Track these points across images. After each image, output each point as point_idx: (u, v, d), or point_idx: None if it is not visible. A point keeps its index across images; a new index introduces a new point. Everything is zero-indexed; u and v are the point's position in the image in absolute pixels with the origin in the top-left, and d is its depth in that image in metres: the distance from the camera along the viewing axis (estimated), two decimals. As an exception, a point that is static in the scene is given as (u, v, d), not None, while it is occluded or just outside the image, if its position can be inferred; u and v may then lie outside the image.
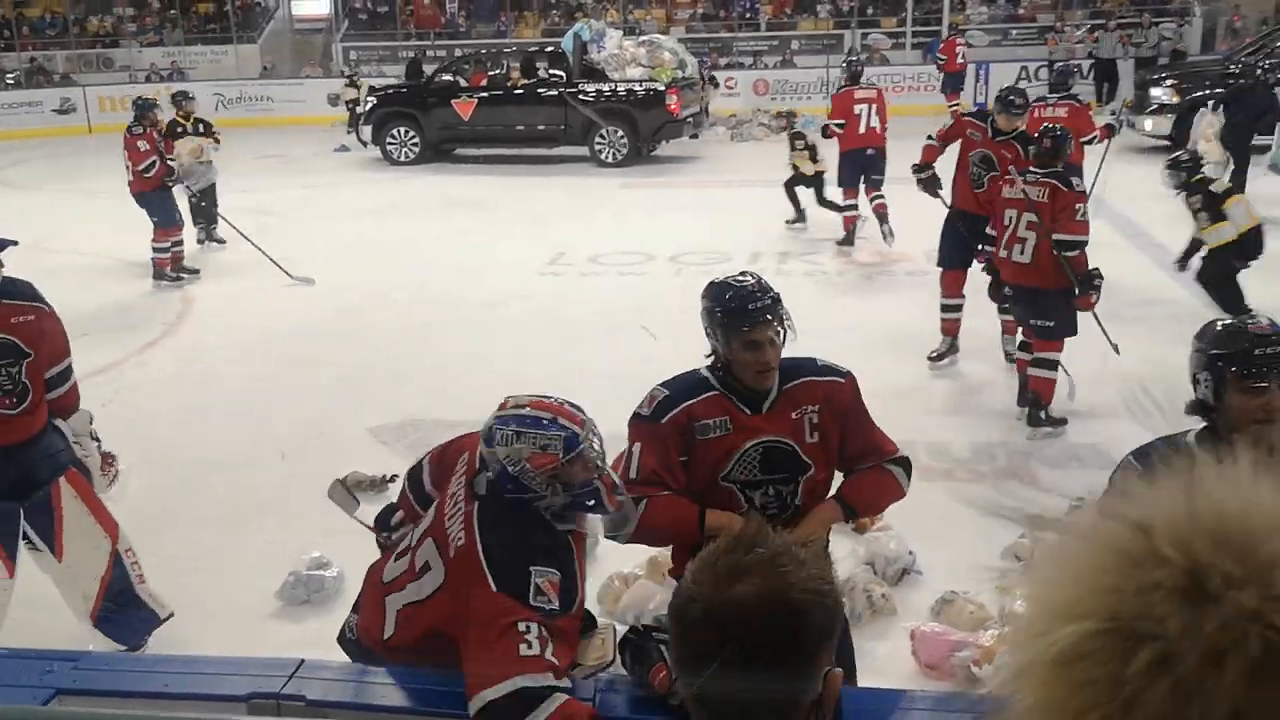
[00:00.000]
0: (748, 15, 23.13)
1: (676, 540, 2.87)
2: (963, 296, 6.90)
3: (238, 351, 7.59)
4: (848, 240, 9.99)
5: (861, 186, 9.73)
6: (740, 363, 2.72)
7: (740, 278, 2.84)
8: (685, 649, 1.29)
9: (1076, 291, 5.60)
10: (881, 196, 9.68)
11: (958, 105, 14.90)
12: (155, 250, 9.37)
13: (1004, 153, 6.73)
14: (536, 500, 2.45)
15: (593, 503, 2.52)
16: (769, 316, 2.70)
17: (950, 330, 6.93)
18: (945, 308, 6.97)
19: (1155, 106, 14.11)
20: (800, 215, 10.64)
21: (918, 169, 7.24)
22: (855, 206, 9.88)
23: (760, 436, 2.72)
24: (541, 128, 15.26)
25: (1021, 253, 5.69)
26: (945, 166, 7.24)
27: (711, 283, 2.84)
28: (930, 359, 6.85)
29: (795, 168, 10.53)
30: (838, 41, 22.24)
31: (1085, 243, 5.66)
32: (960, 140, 7.15)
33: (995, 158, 6.75)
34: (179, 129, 10.35)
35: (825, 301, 8.18)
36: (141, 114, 9.38)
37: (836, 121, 9.81)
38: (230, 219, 9.96)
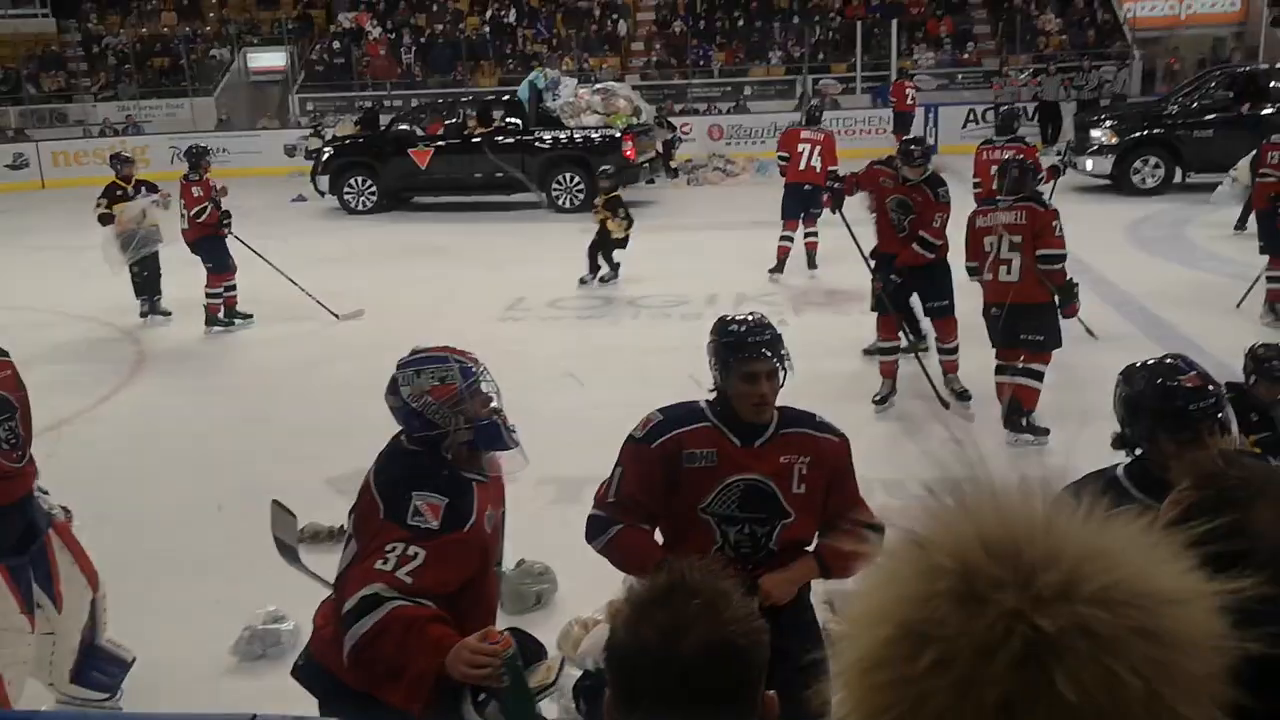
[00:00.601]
0: (701, 62, 23.48)
1: (632, 574, 2.90)
2: (898, 339, 7.07)
3: (190, 404, 7.55)
4: (777, 267, 10.62)
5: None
6: (738, 394, 2.80)
7: (745, 315, 2.97)
8: (632, 694, 1.32)
9: (1058, 303, 6.06)
10: (815, 234, 10.64)
11: (815, 236, 14.68)
12: (209, 296, 9.48)
13: (915, 196, 7.02)
14: (443, 437, 2.61)
15: (494, 437, 2.70)
16: (767, 352, 2.80)
17: (888, 372, 7.07)
18: (881, 351, 7.16)
19: (1095, 147, 14.46)
20: (594, 273, 10.69)
21: (833, 177, 7.71)
22: (790, 237, 10.60)
23: (743, 473, 2.78)
24: (499, 175, 15.37)
25: (1009, 272, 6.02)
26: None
27: (720, 318, 2.98)
28: (874, 402, 6.95)
29: (604, 226, 10.54)
30: (790, 87, 22.63)
31: (1065, 256, 6.08)
32: (874, 187, 7.36)
33: (910, 202, 7.03)
34: (118, 192, 9.71)
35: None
36: (195, 162, 9.55)
37: (781, 154, 10.89)
38: (267, 256, 9.80)
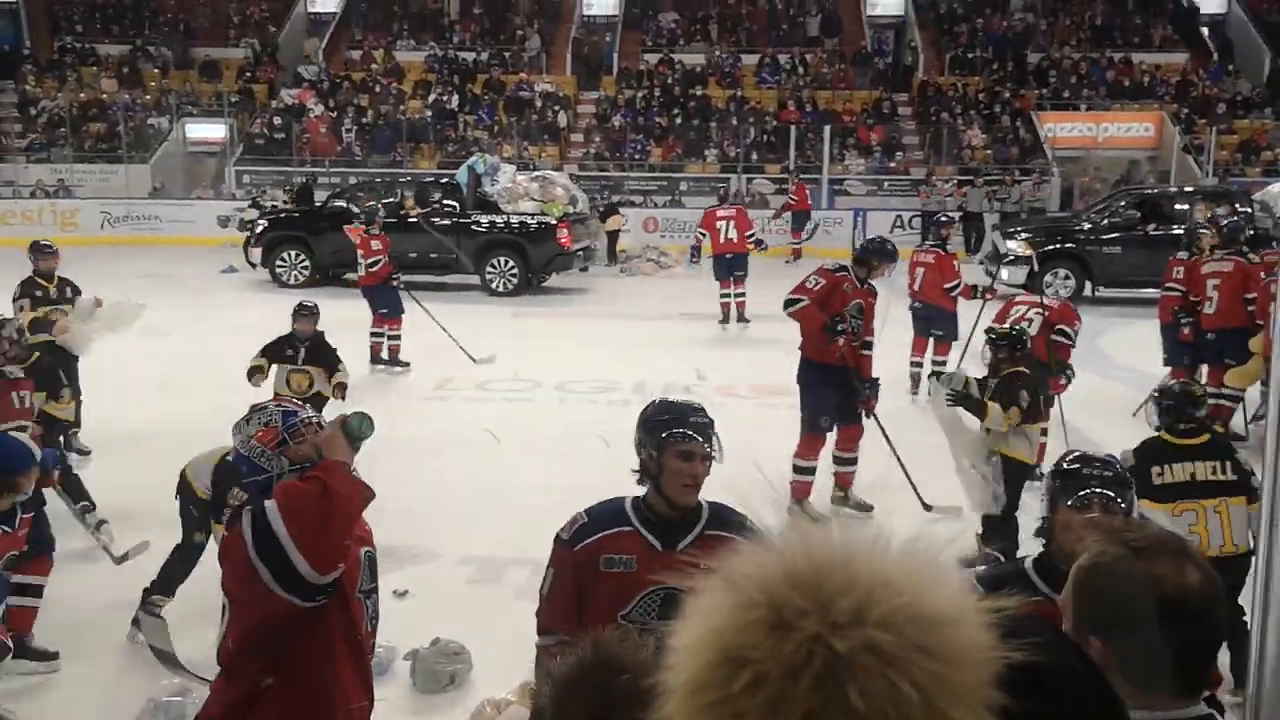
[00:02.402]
0: (638, 157, 23.99)
1: None
2: (814, 460, 6.65)
3: (108, 476, 7.38)
4: (725, 319, 12.92)
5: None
6: (671, 473, 2.81)
7: (682, 400, 3.06)
8: None
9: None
10: (743, 295, 12.90)
11: (743, 296, 15.08)
12: (373, 336, 10.55)
13: (869, 299, 6.92)
14: (270, 480, 2.68)
15: None
16: (705, 433, 2.87)
17: (801, 493, 6.59)
18: (798, 469, 6.63)
19: (1010, 258, 15.01)
20: None
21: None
22: (727, 294, 12.97)
23: (659, 582, 2.72)
24: (434, 255, 15.45)
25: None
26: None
27: (654, 400, 3.07)
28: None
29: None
30: (725, 184, 23.18)
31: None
32: (832, 296, 6.70)
33: (864, 305, 6.84)
34: (38, 292, 8.12)
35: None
36: (371, 217, 11.17)
37: (701, 231, 13.33)
38: (414, 296, 10.94)
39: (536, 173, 18.18)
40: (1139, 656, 1.53)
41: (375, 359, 10.54)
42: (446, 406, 9.34)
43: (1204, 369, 8.73)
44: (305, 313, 7.55)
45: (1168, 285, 9.07)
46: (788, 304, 6.77)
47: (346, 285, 15.89)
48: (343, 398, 7.30)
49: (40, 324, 7.38)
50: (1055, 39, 26.38)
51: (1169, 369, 8.84)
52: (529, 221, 15.55)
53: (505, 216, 15.72)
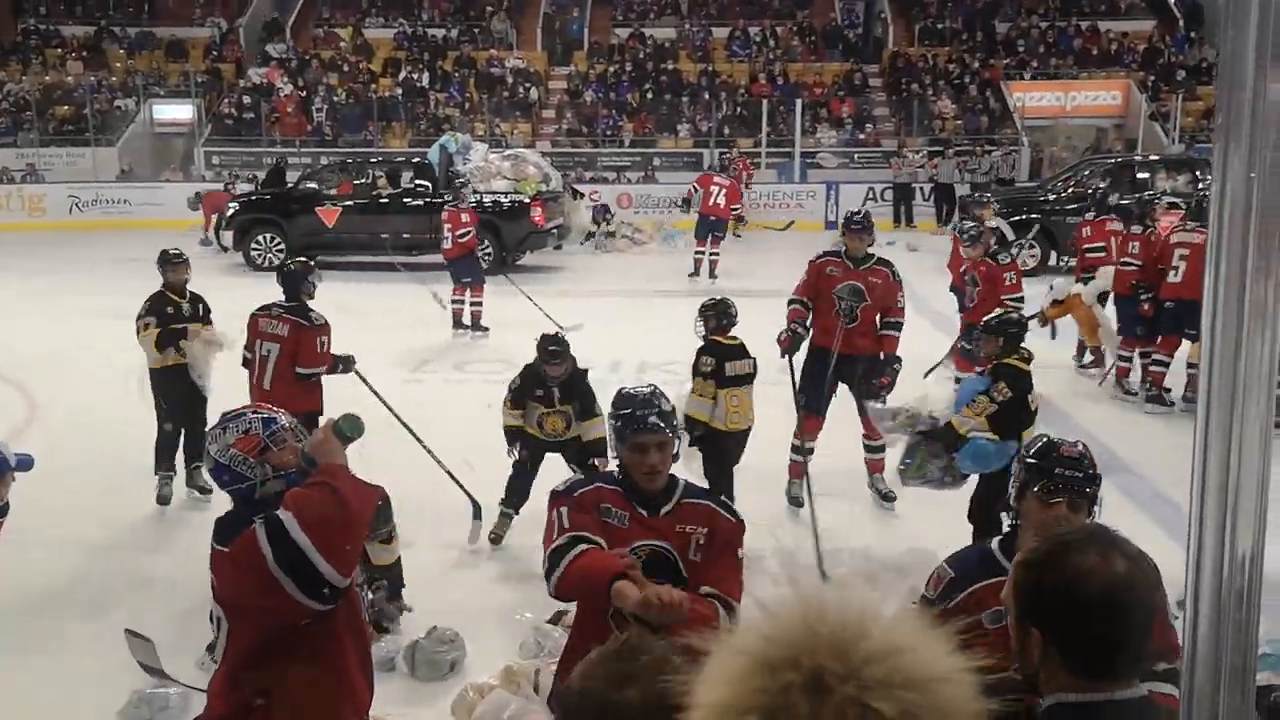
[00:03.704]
0: (610, 132, 23.96)
1: (584, 594, 2.96)
2: (815, 441, 6.50)
3: (76, 472, 7.40)
4: (695, 272, 14.74)
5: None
6: (630, 464, 2.99)
7: (639, 388, 3.15)
8: None
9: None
10: (717, 254, 14.80)
11: (716, 255, 15.07)
12: (454, 303, 11.60)
13: (872, 279, 6.51)
14: (253, 488, 2.69)
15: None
16: (659, 423, 2.99)
17: (797, 474, 6.54)
18: (795, 449, 6.53)
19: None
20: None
21: (786, 350, 6.52)
22: (703, 251, 14.82)
23: (649, 538, 2.95)
24: (407, 236, 15.43)
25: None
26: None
27: (617, 391, 3.16)
28: (792, 499, 6.54)
29: None
30: (698, 159, 23.22)
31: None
32: (821, 280, 6.60)
33: (864, 286, 6.49)
34: (168, 309, 6.79)
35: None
36: (459, 192, 12.86)
37: (696, 186, 15.12)
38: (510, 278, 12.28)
39: (509, 151, 18.16)
40: (1076, 645, 1.67)
41: (458, 324, 11.51)
42: (421, 389, 9.38)
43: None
44: (554, 351, 6.13)
45: (1124, 260, 9.23)
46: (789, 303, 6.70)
47: (322, 268, 15.86)
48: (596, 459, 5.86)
49: (171, 335, 6.64)
50: (1023, 8, 26.48)
51: (1121, 338, 9.17)
52: (502, 200, 15.55)
53: (478, 195, 15.69)
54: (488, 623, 4.99)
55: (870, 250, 6.66)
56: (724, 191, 14.93)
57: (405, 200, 15.76)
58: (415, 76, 25.10)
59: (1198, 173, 14.97)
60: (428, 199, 15.66)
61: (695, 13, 27.23)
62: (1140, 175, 15.90)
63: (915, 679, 0.97)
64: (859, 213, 7.32)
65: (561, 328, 9.07)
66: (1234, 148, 1.20)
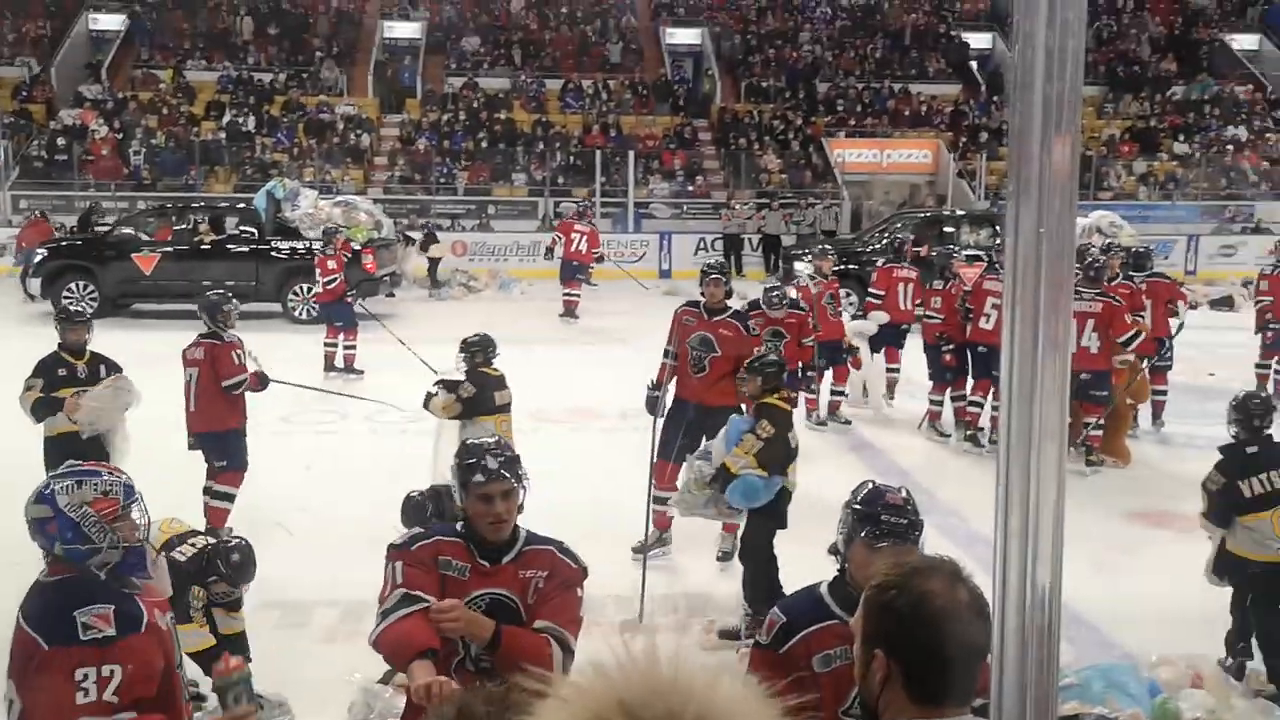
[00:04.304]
0: (444, 180, 23.83)
1: (392, 662, 2.97)
2: (675, 489, 6.36)
3: None
4: (566, 314, 15.56)
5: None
6: (476, 514, 2.95)
7: (484, 439, 3.13)
8: None
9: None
10: (578, 295, 15.72)
11: (578, 296, 15.94)
12: (326, 345, 11.87)
13: (723, 332, 6.62)
14: (93, 554, 2.55)
15: (138, 564, 2.66)
16: (504, 474, 2.96)
17: (662, 524, 6.53)
18: (658, 500, 6.44)
19: (796, 279, 15.68)
20: None
21: (652, 387, 6.78)
22: (570, 293, 15.70)
23: (489, 587, 2.93)
24: (230, 284, 14.89)
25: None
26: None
27: (461, 442, 3.16)
28: (634, 550, 6.33)
29: None
30: (532, 208, 23.32)
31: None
32: (679, 332, 6.76)
33: (714, 338, 6.60)
34: (60, 371, 6.43)
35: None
36: (329, 238, 12.74)
37: (558, 235, 16.05)
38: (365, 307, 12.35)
39: (339, 197, 17.83)
40: (918, 666, 1.75)
41: (330, 367, 11.73)
42: (248, 440, 9.03)
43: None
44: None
45: (927, 314, 9.83)
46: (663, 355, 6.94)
47: (138, 316, 15.16)
48: None
49: (49, 404, 6.23)
50: (841, 70, 27.77)
51: (933, 384, 9.73)
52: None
53: (306, 242, 15.34)
54: (319, 683, 4.82)
55: (728, 303, 6.84)
56: (585, 238, 15.77)
57: (228, 247, 15.25)
58: (240, 120, 24.40)
59: (997, 227, 15.94)
60: (253, 246, 15.20)
61: (528, 64, 27.46)
62: (947, 229, 16.85)
63: None
64: (715, 264, 7.46)
65: (434, 371, 8.96)
66: (1025, 207, 1.32)
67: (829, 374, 9.93)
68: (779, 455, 5.55)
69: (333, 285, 11.98)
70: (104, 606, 2.48)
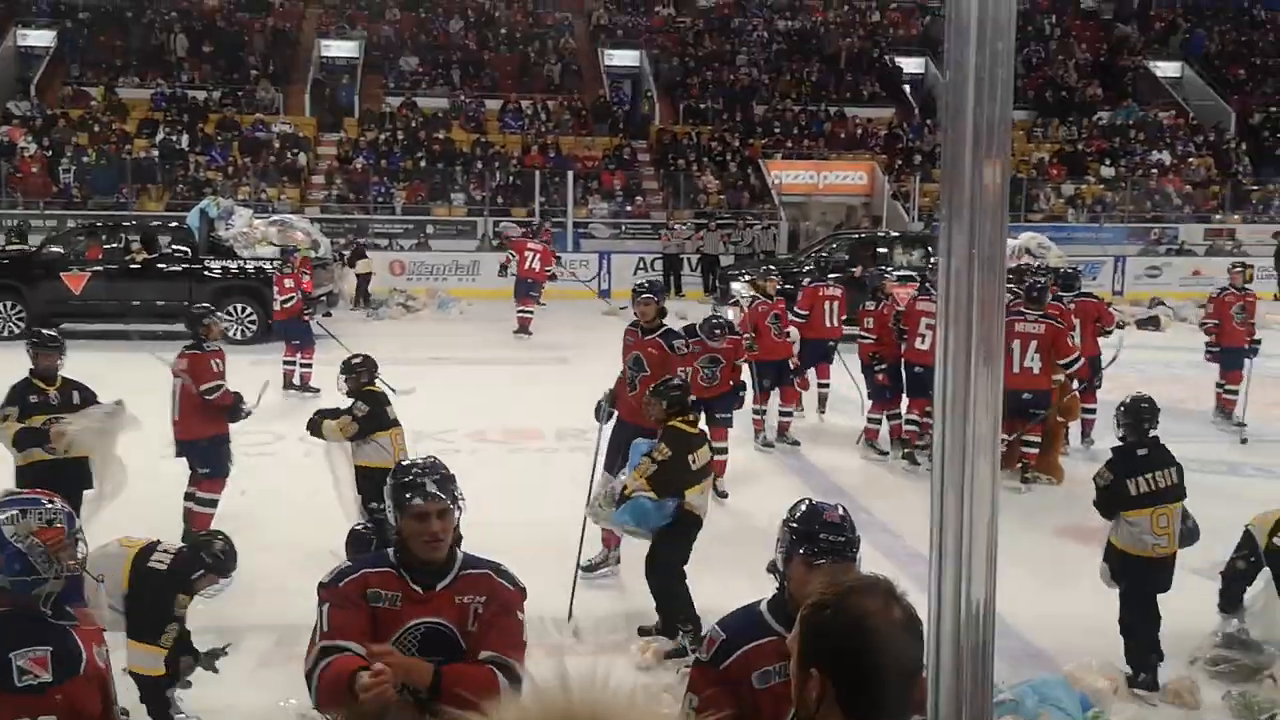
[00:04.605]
0: (382, 199, 23.65)
1: (341, 702, 2.85)
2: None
3: None
4: (520, 330, 15.84)
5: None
6: (411, 533, 2.91)
7: (418, 459, 3.11)
8: None
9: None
10: (531, 312, 16.06)
11: (531, 313, 16.35)
12: (285, 363, 11.91)
13: (650, 350, 6.80)
14: (38, 584, 2.51)
15: (76, 591, 2.71)
16: (439, 492, 2.93)
17: (610, 542, 6.61)
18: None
19: (734, 299, 15.79)
20: None
21: (606, 399, 6.95)
22: (524, 310, 16.00)
23: (424, 617, 2.88)
24: (162, 304, 14.64)
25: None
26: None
27: (396, 463, 3.15)
28: (583, 568, 6.36)
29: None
30: (471, 228, 23.21)
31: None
32: (622, 350, 7.00)
33: (644, 357, 6.78)
34: (32, 397, 6.21)
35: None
36: (287, 257, 13.02)
37: (511, 254, 16.54)
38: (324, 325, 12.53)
39: (275, 216, 17.62)
40: (853, 684, 1.77)
41: (288, 384, 11.69)
42: (174, 465, 8.84)
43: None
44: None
45: (861, 334, 9.98)
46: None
47: (67, 336, 14.76)
48: None
49: (32, 434, 6.05)
50: (778, 92, 28.09)
51: (871, 402, 9.86)
52: (266, 267, 15.03)
53: (241, 262, 15.12)
54: (251, 712, 4.73)
55: (663, 321, 6.97)
56: (537, 256, 16.23)
57: (160, 266, 14.97)
58: (174, 138, 24.00)
59: (930, 248, 16.20)
60: (186, 265, 14.94)
61: (467, 84, 27.41)
62: (880, 250, 17.09)
63: None
64: (645, 283, 7.56)
65: (394, 390, 8.86)
66: (957, 229, 1.35)
67: (775, 394, 9.98)
68: (673, 479, 5.58)
69: (290, 304, 12.07)
70: (41, 649, 2.42)
